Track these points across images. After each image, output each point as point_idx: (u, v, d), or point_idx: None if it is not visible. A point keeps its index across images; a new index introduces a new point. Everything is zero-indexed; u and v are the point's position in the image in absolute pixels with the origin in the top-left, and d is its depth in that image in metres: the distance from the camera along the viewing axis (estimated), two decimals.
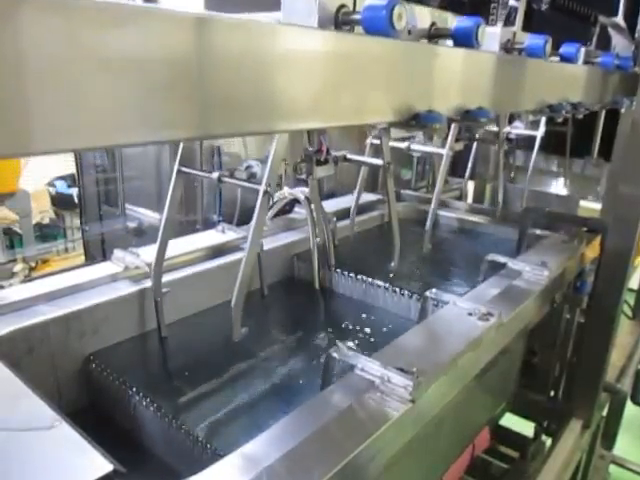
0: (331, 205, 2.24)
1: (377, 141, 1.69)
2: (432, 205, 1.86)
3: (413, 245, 2.42)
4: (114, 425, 1.28)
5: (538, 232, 2.15)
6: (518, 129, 2.76)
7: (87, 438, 0.85)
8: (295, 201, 2.07)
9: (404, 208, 2.59)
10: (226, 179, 1.26)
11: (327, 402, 1.00)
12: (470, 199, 3.59)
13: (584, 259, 1.99)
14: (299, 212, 2.07)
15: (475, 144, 2.62)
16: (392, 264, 1.58)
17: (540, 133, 2.68)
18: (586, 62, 1.67)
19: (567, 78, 1.63)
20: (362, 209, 2.41)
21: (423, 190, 3.56)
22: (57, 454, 0.83)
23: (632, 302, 3.19)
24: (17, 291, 1.36)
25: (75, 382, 1.33)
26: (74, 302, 1.36)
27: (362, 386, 1.03)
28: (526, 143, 2.93)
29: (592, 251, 2.03)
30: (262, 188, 1.07)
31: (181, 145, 1.28)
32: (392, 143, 1.67)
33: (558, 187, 3.76)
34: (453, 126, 1.83)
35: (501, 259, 1.72)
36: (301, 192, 2.02)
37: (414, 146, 2.11)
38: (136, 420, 1.22)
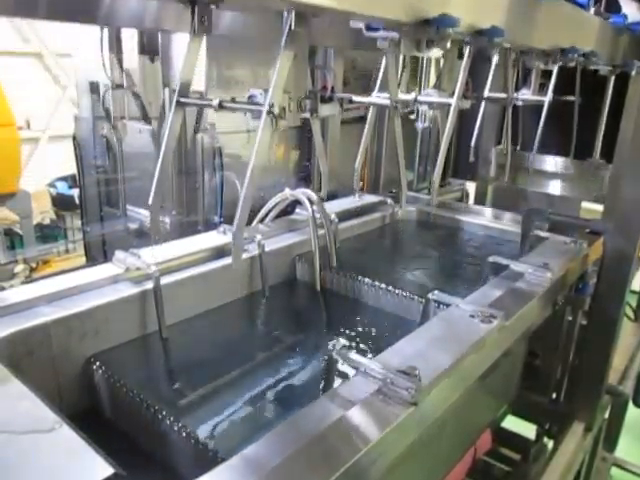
0: (333, 206, 2.24)
1: (384, 94, 1.69)
2: (440, 156, 1.83)
3: (415, 247, 2.42)
4: (115, 427, 1.27)
5: (540, 233, 2.14)
6: (525, 95, 2.70)
7: (88, 441, 0.85)
8: (297, 202, 2.07)
9: (406, 210, 2.59)
10: (227, 104, 1.25)
11: (329, 405, 0.99)
12: (472, 200, 3.59)
13: (586, 261, 1.98)
14: (300, 213, 2.06)
15: (482, 106, 2.51)
16: (400, 207, 1.58)
17: (548, 98, 2.61)
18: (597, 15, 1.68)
19: (580, 24, 1.63)
20: (364, 210, 2.41)
21: (424, 192, 3.56)
22: (58, 457, 0.82)
23: (634, 304, 3.18)
24: (18, 292, 1.36)
25: (76, 384, 1.32)
26: (75, 304, 1.35)
27: (364, 389, 1.03)
28: (533, 114, 2.84)
29: (594, 253, 2.02)
30: (264, 109, 1.07)
31: (179, 76, 1.27)
32: (401, 95, 1.65)
33: (560, 188, 3.75)
34: (462, 68, 1.78)
35: (503, 261, 1.72)
36: (302, 193, 2.02)
37: (421, 97, 2.05)
38: (137, 422, 1.22)
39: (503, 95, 2.22)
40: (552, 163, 3.69)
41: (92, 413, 1.31)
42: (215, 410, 1.23)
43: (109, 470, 0.79)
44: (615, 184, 2.43)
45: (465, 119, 3.47)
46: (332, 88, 1.45)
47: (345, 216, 2.23)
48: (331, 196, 2.59)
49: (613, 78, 2.99)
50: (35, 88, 6.75)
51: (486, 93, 2.34)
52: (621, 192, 1.99)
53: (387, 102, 1.50)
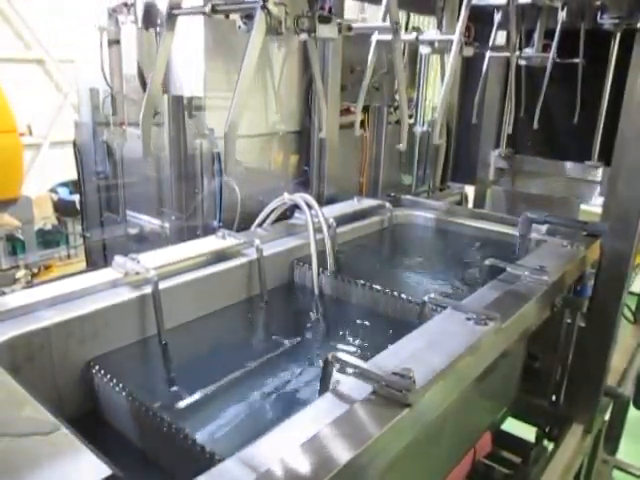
0: (332, 210, 2.25)
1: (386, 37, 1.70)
2: (441, 97, 1.84)
3: (413, 250, 2.43)
4: (114, 430, 1.28)
5: (538, 236, 2.15)
6: (528, 54, 2.69)
7: (86, 443, 0.86)
8: (295, 207, 2.08)
9: (405, 214, 2.60)
10: (221, 7, 1.24)
11: (325, 407, 1.00)
12: (471, 204, 3.60)
13: (584, 263, 1.99)
14: (299, 217, 2.07)
15: (487, 58, 2.49)
16: (401, 145, 1.56)
17: (552, 55, 2.59)
18: None
19: None
20: (363, 214, 2.42)
21: (424, 195, 3.56)
22: (56, 459, 0.83)
23: (633, 306, 3.18)
24: (18, 297, 1.37)
25: (75, 387, 1.34)
26: (75, 308, 1.36)
27: (360, 391, 1.03)
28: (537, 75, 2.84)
29: (592, 255, 2.03)
30: (259, 3, 1.08)
31: None
32: (403, 36, 1.64)
33: (559, 190, 3.75)
34: (464, 5, 1.75)
35: (500, 264, 1.72)
36: (301, 197, 2.03)
37: (422, 36, 2.01)
38: (135, 425, 1.23)
39: (507, 54, 2.21)
40: (551, 165, 3.69)
41: (91, 416, 1.32)
42: (213, 412, 1.24)
43: (107, 471, 0.80)
44: (613, 186, 2.43)
45: (464, 121, 3.48)
46: (330, 9, 1.40)
47: (344, 220, 2.24)
48: (330, 200, 2.61)
49: (618, 37, 2.96)
50: (37, 94, 6.78)
51: (491, 43, 2.33)
52: (619, 194, 2.00)
53: (388, 25, 1.49)
